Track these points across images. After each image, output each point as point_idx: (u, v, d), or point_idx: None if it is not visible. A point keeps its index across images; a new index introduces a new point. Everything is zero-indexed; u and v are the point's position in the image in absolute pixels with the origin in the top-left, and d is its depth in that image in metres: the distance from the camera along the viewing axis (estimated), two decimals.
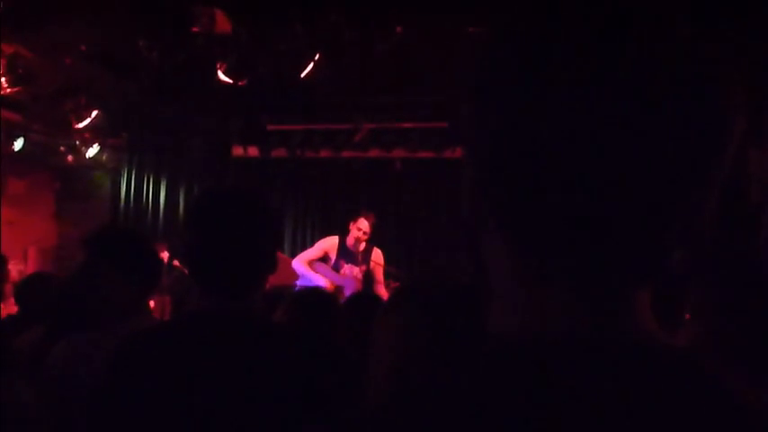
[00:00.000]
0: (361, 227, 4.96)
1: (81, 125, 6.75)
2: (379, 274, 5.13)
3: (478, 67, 0.51)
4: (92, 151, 8.13)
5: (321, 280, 4.91)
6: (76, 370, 1.62)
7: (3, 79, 5.44)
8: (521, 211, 0.49)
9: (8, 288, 4.55)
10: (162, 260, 1.92)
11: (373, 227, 5.00)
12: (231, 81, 5.31)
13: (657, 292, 0.51)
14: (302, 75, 5.17)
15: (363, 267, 5.06)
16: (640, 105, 0.44)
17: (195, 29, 4.58)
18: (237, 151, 8.10)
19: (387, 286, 5.12)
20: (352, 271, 5.03)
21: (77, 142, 7.99)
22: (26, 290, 2.73)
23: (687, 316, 1.26)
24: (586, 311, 0.49)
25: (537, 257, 0.49)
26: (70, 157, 8.39)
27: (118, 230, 2.08)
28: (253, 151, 7.94)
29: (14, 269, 7.73)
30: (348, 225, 5.06)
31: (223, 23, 4.59)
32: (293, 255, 5.66)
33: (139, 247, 1.83)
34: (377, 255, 5.13)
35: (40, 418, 1.52)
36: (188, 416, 1.19)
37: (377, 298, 2.67)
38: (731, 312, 1.19)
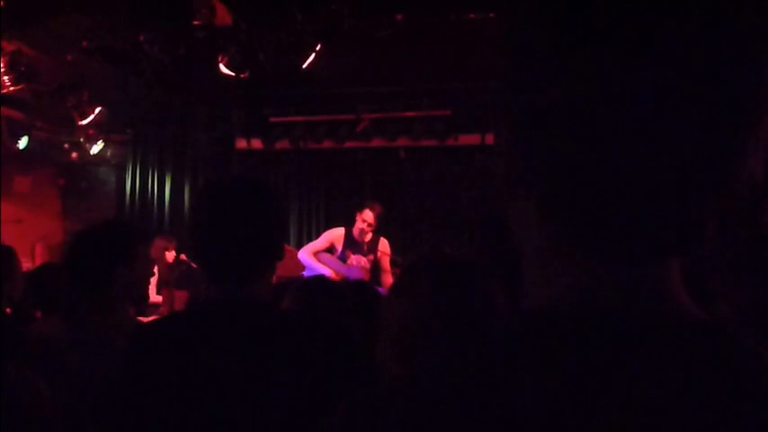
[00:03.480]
0: (366, 218, 4.96)
1: (84, 122, 6.75)
2: (386, 263, 5.13)
3: (516, 48, 0.51)
4: (96, 148, 8.13)
5: (327, 270, 4.92)
6: (77, 356, 1.65)
7: (5, 77, 5.44)
8: (555, 181, 0.48)
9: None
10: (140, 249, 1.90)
11: (379, 217, 4.99)
12: (233, 74, 5.31)
13: (688, 264, 0.51)
14: (303, 66, 5.16)
15: (370, 257, 5.07)
16: (679, 76, 0.44)
17: (196, 22, 4.58)
18: (241, 144, 8.09)
19: (394, 275, 5.12)
20: (359, 261, 5.04)
21: (81, 139, 7.99)
22: (37, 280, 2.77)
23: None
24: (620, 282, 0.49)
25: (571, 228, 0.49)
26: (74, 154, 8.39)
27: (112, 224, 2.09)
28: (256, 144, 7.93)
29: (23, 266, 7.76)
30: (354, 215, 5.06)
31: (223, 16, 4.58)
32: (299, 246, 5.66)
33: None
34: (383, 244, 5.14)
35: (54, 406, 1.54)
36: (199, 402, 1.20)
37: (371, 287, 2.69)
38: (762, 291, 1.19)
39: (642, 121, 0.44)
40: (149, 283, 6.03)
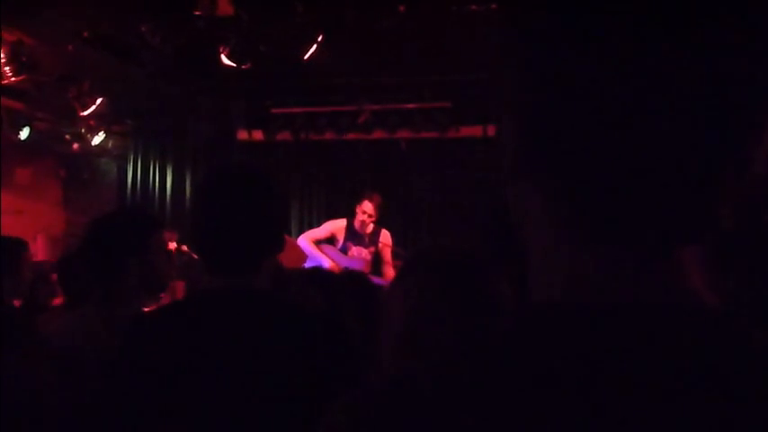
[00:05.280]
0: (365, 209, 4.95)
1: (86, 112, 6.74)
2: (388, 254, 5.14)
3: (524, 31, 0.49)
4: (97, 139, 8.12)
5: (327, 261, 4.93)
6: (82, 346, 1.66)
7: (6, 68, 5.43)
8: (562, 167, 0.46)
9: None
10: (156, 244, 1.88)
11: (378, 208, 4.98)
12: (234, 64, 5.29)
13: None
14: (305, 57, 5.15)
15: (372, 249, 5.07)
16: (692, 56, 0.42)
17: (197, 12, 4.56)
18: (242, 135, 8.08)
19: (395, 267, 5.12)
20: (360, 253, 5.04)
21: (83, 130, 7.98)
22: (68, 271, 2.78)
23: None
24: (631, 271, 0.47)
25: (579, 216, 0.47)
26: (76, 145, 8.38)
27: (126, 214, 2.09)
28: (257, 135, 7.92)
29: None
30: (354, 209, 5.06)
31: (225, 6, 4.57)
32: None
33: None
34: (385, 236, 5.14)
35: (57, 396, 1.54)
36: (195, 391, 1.20)
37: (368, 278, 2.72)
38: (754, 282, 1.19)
39: (656, 101, 0.43)
40: (165, 273, 6.02)
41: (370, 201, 4.96)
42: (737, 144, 0.44)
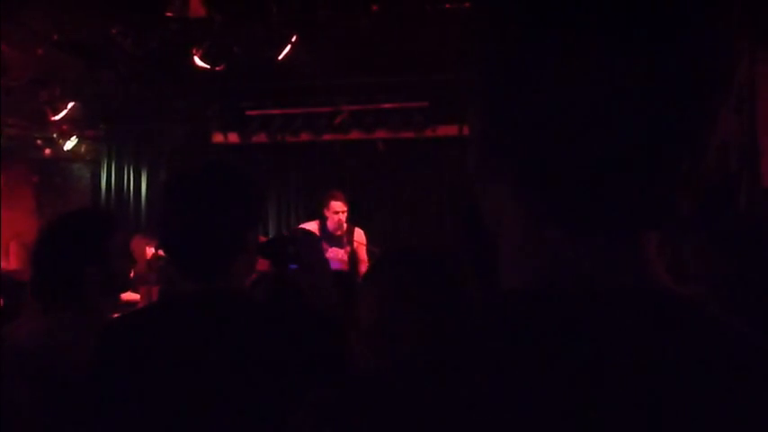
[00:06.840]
0: (336, 209, 4.94)
1: (57, 117, 6.65)
2: (363, 253, 5.13)
3: (487, 25, 0.51)
4: (69, 143, 8.02)
5: None
6: (50, 357, 1.62)
7: None
8: (527, 156, 0.48)
9: None
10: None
11: (347, 201, 4.97)
12: (208, 66, 5.25)
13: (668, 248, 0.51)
14: (279, 57, 5.13)
15: (347, 248, 5.05)
16: (651, 49, 0.43)
17: (169, 14, 4.52)
18: (217, 138, 8.02)
19: None
20: (337, 254, 5.02)
21: (54, 135, 7.88)
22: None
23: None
24: (595, 259, 0.48)
25: (545, 205, 0.48)
26: (48, 151, 8.27)
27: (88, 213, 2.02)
28: (233, 137, 7.86)
29: None
30: (322, 213, 5.02)
31: (197, 7, 4.53)
32: None
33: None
34: (359, 234, 5.13)
35: (31, 409, 1.51)
36: (168, 396, 1.18)
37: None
38: (727, 278, 1.20)
39: (614, 92, 0.44)
40: (127, 276, 5.96)
41: (335, 198, 4.94)
42: (694, 133, 0.46)
